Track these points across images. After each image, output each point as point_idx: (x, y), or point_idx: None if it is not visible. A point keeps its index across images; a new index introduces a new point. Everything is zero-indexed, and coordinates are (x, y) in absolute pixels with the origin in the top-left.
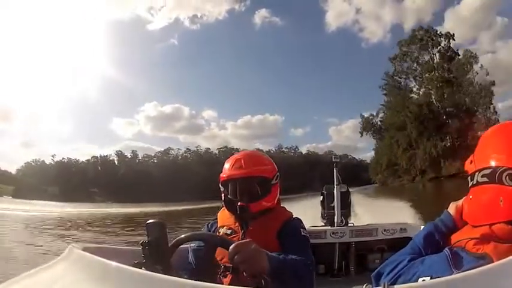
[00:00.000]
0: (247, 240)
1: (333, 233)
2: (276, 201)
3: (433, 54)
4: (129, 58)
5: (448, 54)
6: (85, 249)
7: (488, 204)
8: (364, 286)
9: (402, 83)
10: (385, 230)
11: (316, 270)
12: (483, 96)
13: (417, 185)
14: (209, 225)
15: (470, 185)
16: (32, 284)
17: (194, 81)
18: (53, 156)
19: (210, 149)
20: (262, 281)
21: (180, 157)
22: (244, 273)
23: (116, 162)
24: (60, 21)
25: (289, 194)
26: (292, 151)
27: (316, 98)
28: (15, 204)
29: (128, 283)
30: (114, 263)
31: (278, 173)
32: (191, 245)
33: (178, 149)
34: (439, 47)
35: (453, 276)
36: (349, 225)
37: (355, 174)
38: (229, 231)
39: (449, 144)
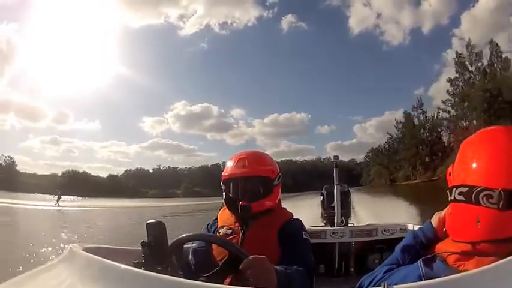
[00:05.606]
0: (262, 257)
1: (333, 233)
2: (277, 202)
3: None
4: (159, 61)
5: None
6: (85, 249)
7: (466, 223)
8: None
9: None
10: (384, 230)
11: (316, 270)
12: None
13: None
14: (209, 225)
15: (449, 199)
16: (32, 284)
17: (223, 82)
18: (158, 165)
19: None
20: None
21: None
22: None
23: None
24: (94, 26)
25: None
26: (327, 160)
27: (341, 97)
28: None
29: (128, 283)
30: (114, 263)
31: (280, 174)
32: (191, 245)
33: None
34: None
35: (452, 276)
36: (349, 225)
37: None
38: (229, 231)
39: None
